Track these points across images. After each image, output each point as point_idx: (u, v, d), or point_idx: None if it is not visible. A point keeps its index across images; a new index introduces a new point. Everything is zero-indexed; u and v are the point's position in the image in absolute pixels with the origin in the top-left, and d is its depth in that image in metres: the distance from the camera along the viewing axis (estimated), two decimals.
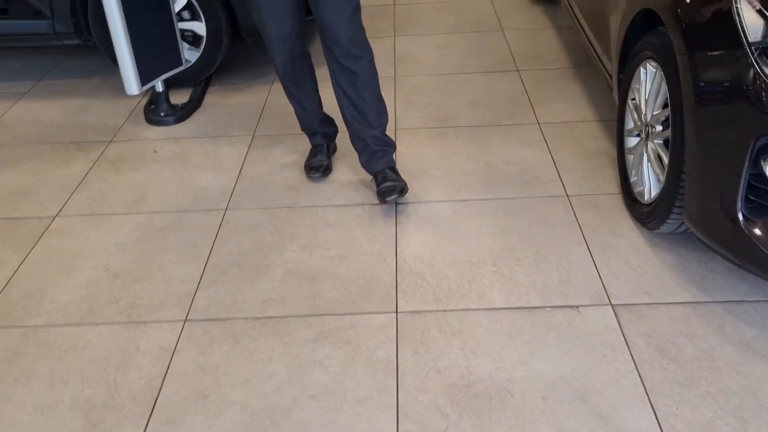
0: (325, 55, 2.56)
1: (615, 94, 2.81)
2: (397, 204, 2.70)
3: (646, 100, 2.41)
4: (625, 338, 2.03)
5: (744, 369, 1.91)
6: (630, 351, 1.99)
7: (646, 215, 2.37)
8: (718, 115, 1.90)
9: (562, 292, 2.22)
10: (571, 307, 2.16)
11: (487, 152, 3.01)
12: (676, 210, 2.20)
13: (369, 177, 2.84)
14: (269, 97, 3.63)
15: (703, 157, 1.97)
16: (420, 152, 3.05)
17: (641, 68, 2.43)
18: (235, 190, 2.86)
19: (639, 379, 1.90)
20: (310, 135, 2.96)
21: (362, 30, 2.51)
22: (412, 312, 2.18)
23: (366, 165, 2.74)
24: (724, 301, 2.14)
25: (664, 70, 2.20)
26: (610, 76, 2.85)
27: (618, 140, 2.69)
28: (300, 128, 2.95)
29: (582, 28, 3.35)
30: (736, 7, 1.86)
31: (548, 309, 2.16)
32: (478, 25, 4.38)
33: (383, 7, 4.82)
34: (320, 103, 2.88)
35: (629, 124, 2.59)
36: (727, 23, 1.88)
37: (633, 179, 2.54)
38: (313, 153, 2.96)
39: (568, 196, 2.69)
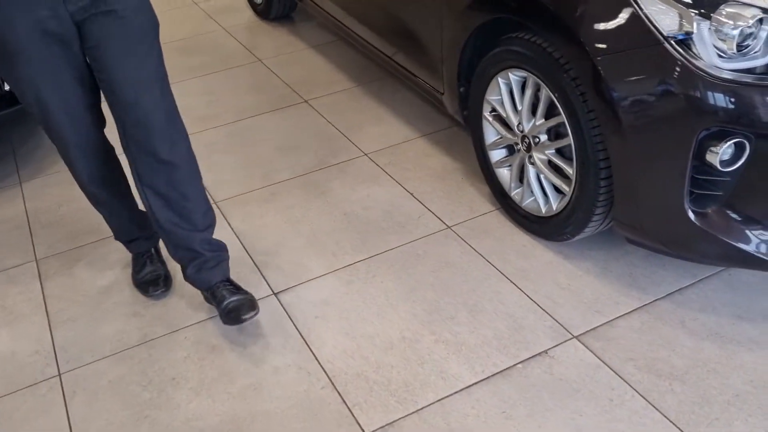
0: (126, 148, 1.94)
1: (451, 108, 2.63)
2: (276, 294, 2.24)
3: (518, 111, 2.26)
4: (614, 371, 1.87)
5: (735, 362, 1.86)
6: (629, 384, 1.83)
7: (556, 228, 2.24)
8: (648, 117, 1.79)
9: (520, 340, 1.99)
10: (540, 354, 1.94)
11: (335, 202, 2.66)
12: (595, 218, 2.09)
13: None
14: (28, 202, 2.84)
15: (636, 161, 1.87)
16: (262, 223, 2.58)
17: (499, 79, 2.28)
18: (57, 344, 2.15)
19: (658, 413, 1.75)
20: (129, 242, 2.33)
21: (175, 105, 1.98)
22: (383, 427, 1.79)
23: (195, 279, 2.12)
24: (666, 296, 2.09)
25: (545, 80, 2.06)
26: (438, 91, 2.67)
27: (479, 156, 2.53)
28: (113, 237, 2.32)
29: (368, 44, 3.11)
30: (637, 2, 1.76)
31: (520, 366, 1.92)
32: (230, 61, 3.93)
33: None
34: (135, 202, 2.27)
35: (491, 138, 2.44)
36: (631, 20, 1.78)
37: (515, 193, 2.39)
38: (140, 263, 2.33)
39: (450, 227, 2.46)
